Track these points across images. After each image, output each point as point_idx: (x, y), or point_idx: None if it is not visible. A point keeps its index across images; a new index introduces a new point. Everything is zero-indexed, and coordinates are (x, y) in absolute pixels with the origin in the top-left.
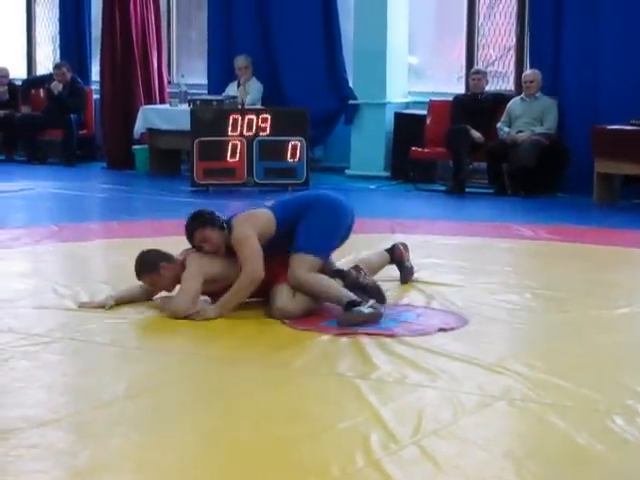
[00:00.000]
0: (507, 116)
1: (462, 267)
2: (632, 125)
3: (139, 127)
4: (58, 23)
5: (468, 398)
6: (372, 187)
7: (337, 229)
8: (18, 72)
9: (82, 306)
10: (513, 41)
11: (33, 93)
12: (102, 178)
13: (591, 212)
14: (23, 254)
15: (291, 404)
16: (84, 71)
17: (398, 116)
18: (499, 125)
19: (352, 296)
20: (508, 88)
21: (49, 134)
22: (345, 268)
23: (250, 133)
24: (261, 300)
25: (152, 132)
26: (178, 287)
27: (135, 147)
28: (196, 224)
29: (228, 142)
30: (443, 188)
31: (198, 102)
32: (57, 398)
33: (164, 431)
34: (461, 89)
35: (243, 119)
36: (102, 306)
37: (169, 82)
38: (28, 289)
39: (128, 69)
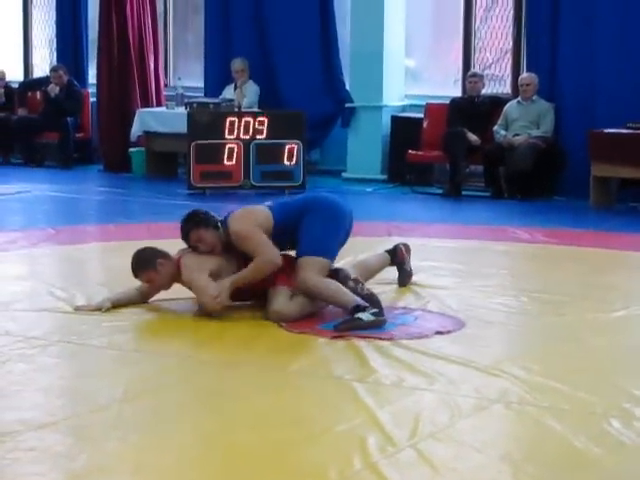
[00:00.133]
0: (504, 119)
1: (459, 270)
2: (628, 128)
3: (136, 130)
4: (55, 26)
5: (465, 401)
6: (369, 190)
7: (338, 231)
8: (15, 75)
9: (79, 309)
10: (510, 44)
11: (30, 96)
12: (99, 181)
13: (587, 215)
14: (20, 257)
15: (288, 407)
16: (81, 74)
17: (395, 119)
18: (496, 128)
19: (359, 301)
20: (505, 91)
21: (46, 137)
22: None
23: (247, 136)
24: (258, 303)
25: (149, 135)
26: (174, 285)
27: (132, 150)
28: (190, 225)
29: (225, 145)
30: (440, 191)
31: (195, 105)
32: (54, 401)
33: (162, 434)
34: (458, 92)
35: (240, 122)
36: (99, 309)
37: (166, 85)
38: (25, 292)
39: (125, 72)
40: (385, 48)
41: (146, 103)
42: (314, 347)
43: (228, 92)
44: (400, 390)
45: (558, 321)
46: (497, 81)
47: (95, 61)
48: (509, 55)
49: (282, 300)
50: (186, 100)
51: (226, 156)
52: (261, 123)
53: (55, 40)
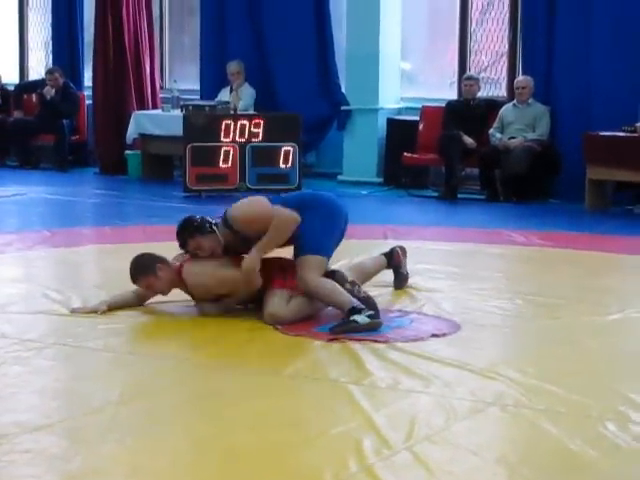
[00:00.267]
0: (499, 122)
1: (454, 273)
2: (624, 132)
3: (131, 132)
4: (50, 28)
5: (460, 404)
6: (364, 193)
7: (334, 229)
8: (10, 77)
9: (75, 311)
10: (505, 47)
11: (25, 98)
12: (94, 183)
13: (583, 218)
14: (15, 259)
15: (284, 410)
16: (76, 76)
17: (390, 122)
18: (491, 131)
19: (355, 302)
20: (500, 94)
21: (41, 139)
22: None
23: (243, 139)
24: (254, 306)
25: (144, 137)
26: (174, 291)
27: (127, 152)
28: (185, 235)
29: (220, 148)
30: (435, 194)
31: (190, 107)
32: (50, 403)
33: (157, 436)
34: (453, 95)
35: (235, 125)
36: (95, 311)
37: (161, 87)
38: (20, 294)
39: (120, 74)
40: (381, 51)
41: (142, 106)
42: (310, 350)
43: (224, 95)
44: (396, 393)
45: (553, 324)
46: (493, 84)
47: (91, 64)
48: (505, 58)
49: (278, 302)
50: (182, 103)
51: (222, 159)
52: (257, 126)
53: (51, 42)
